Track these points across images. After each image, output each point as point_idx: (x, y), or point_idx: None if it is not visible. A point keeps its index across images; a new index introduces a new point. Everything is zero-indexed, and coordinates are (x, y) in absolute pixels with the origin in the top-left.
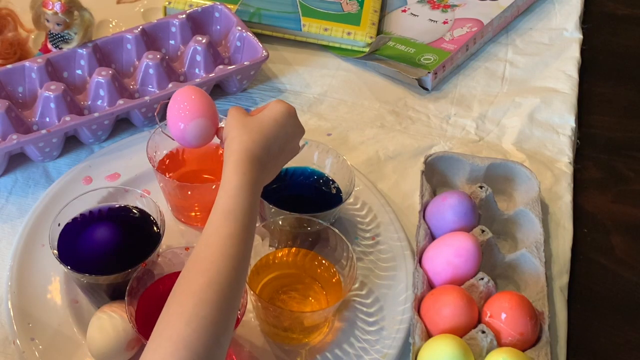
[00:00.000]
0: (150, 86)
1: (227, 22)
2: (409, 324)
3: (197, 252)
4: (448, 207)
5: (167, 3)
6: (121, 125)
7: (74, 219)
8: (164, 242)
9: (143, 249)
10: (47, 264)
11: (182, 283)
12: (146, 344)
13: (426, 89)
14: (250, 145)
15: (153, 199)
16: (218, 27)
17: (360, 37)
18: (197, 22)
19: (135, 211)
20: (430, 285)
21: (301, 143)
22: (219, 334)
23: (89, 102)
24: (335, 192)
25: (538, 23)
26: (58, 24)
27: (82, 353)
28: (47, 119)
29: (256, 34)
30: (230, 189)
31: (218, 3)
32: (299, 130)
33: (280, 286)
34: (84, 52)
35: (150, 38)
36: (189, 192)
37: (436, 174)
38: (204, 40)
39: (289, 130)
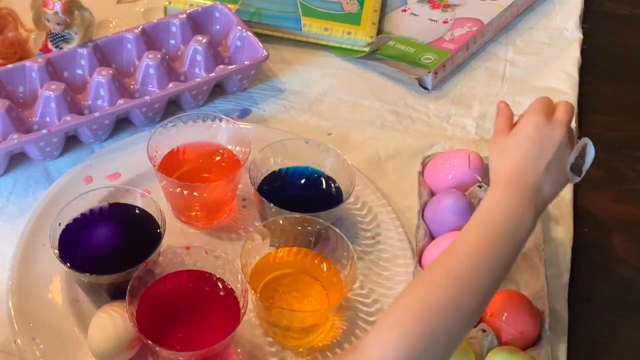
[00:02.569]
0: (150, 86)
1: (228, 22)
2: None
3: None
4: (445, 208)
5: (167, 3)
6: (121, 124)
7: (75, 219)
8: (165, 242)
9: (144, 248)
10: (48, 264)
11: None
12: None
13: (426, 89)
14: (503, 167)
15: (154, 198)
16: (218, 26)
17: (361, 36)
18: (197, 22)
19: (136, 211)
20: None
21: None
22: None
23: (90, 102)
24: (335, 191)
25: (538, 22)
26: (58, 24)
27: (82, 352)
28: (48, 119)
29: (256, 34)
30: (488, 200)
31: (218, 3)
32: (554, 132)
33: (280, 286)
34: (85, 52)
35: (151, 38)
36: (190, 192)
37: None
38: (204, 40)
39: (541, 142)
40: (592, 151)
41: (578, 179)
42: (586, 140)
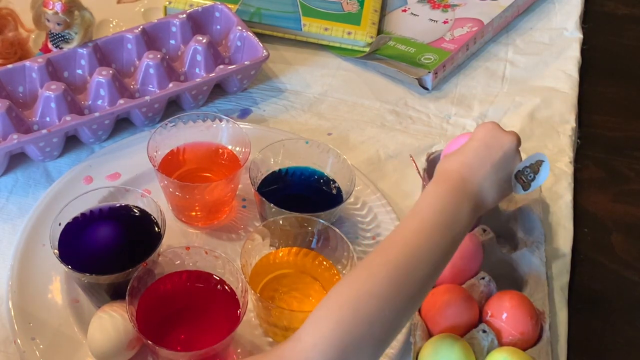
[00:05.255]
0: (150, 86)
1: (228, 22)
2: (409, 323)
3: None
4: None
5: (167, 3)
6: (122, 124)
7: (75, 219)
8: (165, 242)
9: (144, 248)
10: (47, 264)
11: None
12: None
13: (426, 89)
14: (447, 164)
15: (154, 198)
16: (218, 26)
17: (361, 36)
18: (197, 22)
19: (136, 211)
20: None
21: (302, 142)
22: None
23: (90, 102)
24: (335, 191)
25: (538, 23)
26: (58, 24)
27: (82, 353)
28: (48, 119)
29: (256, 34)
30: (425, 193)
31: (218, 3)
32: (504, 138)
33: (280, 286)
34: (85, 52)
35: (151, 38)
36: (190, 192)
37: None
38: (204, 40)
39: (489, 142)
40: (546, 170)
41: (522, 192)
42: (543, 157)
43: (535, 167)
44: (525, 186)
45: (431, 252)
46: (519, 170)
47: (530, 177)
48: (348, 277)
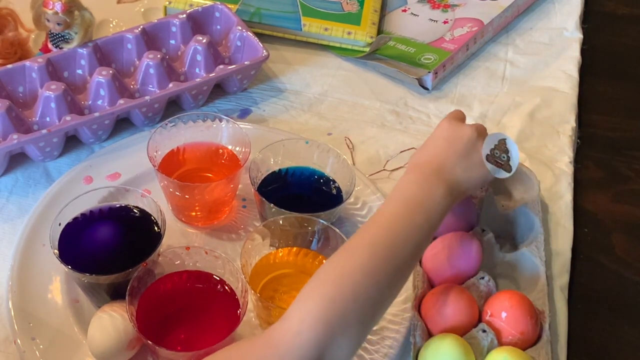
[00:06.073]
0: (150, 86)
1: (228, 22)
2: (409, 323)
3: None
4: None
5: (167, 3)
6: (121, 124)
7: (75, 219)
8: (165, 242)
9: (144, 248)
10: (47, 264)
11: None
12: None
13: (426, 89)
14: (415, 159)
15: (154, 198)
16: (218, 26)
17: (361, 36)
18: (197, 22)
19: (136, 211)
20: (431, 285)
21: (302, 142)
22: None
23: (90, 102)
24: (335, 191)
25: (538, 23)
26: (58, 24)
27: (82, 353)
28: (48, 119)
29: (256, 34)
30: (400, 181)
31: (218, 3)
32: (462, 130)
33: (280, 286)
34: (85, 52)
35: (151, 38)
36: (190, 192)
37: None
38: (204, 40)
39: (448, 136)
40: (514, 146)
41: (507, 175)
42: (502, 135)
43: (501, 146)
44: (506, 167)
45: (409, 230)
46: (487, 155)
47: (503, 157)
48: (332, 257)
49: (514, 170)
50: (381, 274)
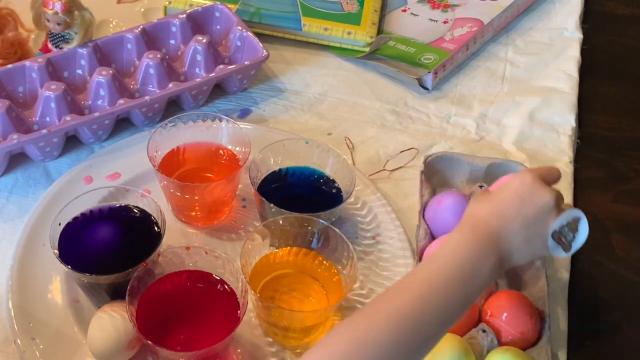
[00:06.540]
0: (150, 86)
1: (228, 22)
2: None
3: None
4: (445, 208)
5: (167, 3)
6: (121, 124)
7: (75, 219)
8: (165, 242)
9: (144, 248)
10: (47, 264)
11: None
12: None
13: (426, 89)
14: (476, 210)
15: (154, 198)
16: (218, 26)
17: (361, 36)
18: (197, 22)
19: (136, 211)
20: None
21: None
22: None
23: (90, 102)
24: (335, 191)
25: (538, 23)
26: (58, 24)
27: (82, 353)
28: (48, 119)
29: (256, 34)
30: (447, 240)
31: (218, 3)
32: (542, 193)
33: (280, 286)
34: (85, 52)
35: (151, 38)
36: (190, 192)
37: (436, 174)
38: (204, 40)
39: (524, 194)
40: (585, 228)
41: (563, 255)
42: (579, 213)
43: (573, 225)
44: (566, 248)
45: (441, 306)
46: (555, 230)
47: (569, 236)
48: (349, 321)
49: (572, 252)
50: (399, 351)
